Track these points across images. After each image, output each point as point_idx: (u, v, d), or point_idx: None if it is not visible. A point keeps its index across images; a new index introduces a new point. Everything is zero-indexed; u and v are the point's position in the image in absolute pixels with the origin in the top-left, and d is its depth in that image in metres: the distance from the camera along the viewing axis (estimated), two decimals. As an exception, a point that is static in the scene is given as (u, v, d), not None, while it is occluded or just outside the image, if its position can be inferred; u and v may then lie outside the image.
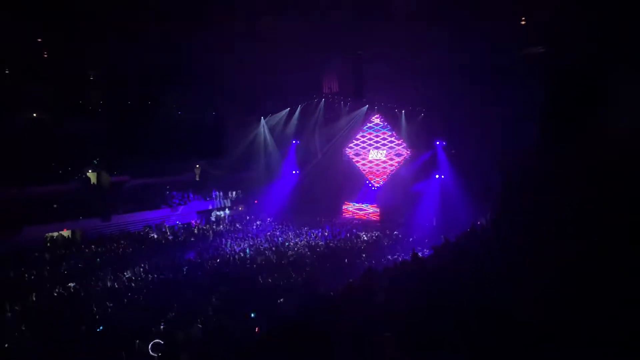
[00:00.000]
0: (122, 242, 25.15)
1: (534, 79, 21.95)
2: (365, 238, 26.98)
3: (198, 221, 31.19)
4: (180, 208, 31.04)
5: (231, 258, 22.22)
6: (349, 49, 25.75)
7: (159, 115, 32.38)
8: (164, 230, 28.18)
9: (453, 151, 30.24)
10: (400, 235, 27.43)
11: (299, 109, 35.43)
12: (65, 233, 26.28)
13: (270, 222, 31.07)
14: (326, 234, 27.93)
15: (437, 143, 30.81)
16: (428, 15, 19.99)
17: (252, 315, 13.96)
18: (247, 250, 23.85)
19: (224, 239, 26.20)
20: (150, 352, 11.13)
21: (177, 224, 29.92)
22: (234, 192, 34.60)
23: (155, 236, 26.97)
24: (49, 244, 24.82)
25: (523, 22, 20.20)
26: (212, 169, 34.66)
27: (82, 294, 17.02)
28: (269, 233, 27.98)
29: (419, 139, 31.63)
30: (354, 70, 28.15)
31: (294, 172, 36.15)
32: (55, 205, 26.54)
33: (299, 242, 25.66)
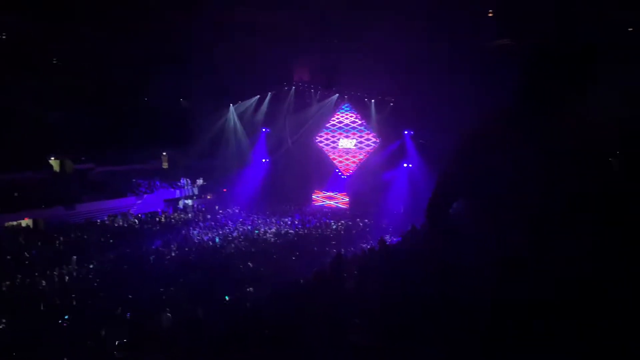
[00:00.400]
0: (87, 231, 24.55)
1: (507, 68, 22.43)
2: (335, 226, 27.20)
3: (165, 209, 30.72)
4: (147, 196, 30.48)
5: (200, 247, 22.05)
6: (321, 37, 25.67)
7: (125, 102, 31.57)
8: (130, 219, 27.64)
9: (421, 140, 30.68)
10: (369, 223, 27.76)
11: (269, 96, 35.13)
12: (27, 222, 25.46)
13: (239, 210, 30.90)
14: (296, 222, 28.00)
15: (406, 132, 31.17)
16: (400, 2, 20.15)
17: (226, 298, 13.97)
18: (217, 239, 23.69)
19: (192, 228, 25.94)
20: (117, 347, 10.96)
21: (144, 212, 29.40)
22: (202, 180, 34.18)
23: (121, 225, 26.43)
24: (9, 233, 23.99)
25: (490, 15, 20.59)
26: (180, 156, 34.13)
27: (45, 284, 16.58)
28: (238, 222, 27.85)
29: (388, 128, 31.94)
30: (326, 59, 28.11)
31: (263, 160, 35.96)
32: (15, 194, 25.63)
33: (269, 231, 25.66)
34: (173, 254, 20.70)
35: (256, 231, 25.50)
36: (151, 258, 20.04)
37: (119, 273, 18.01)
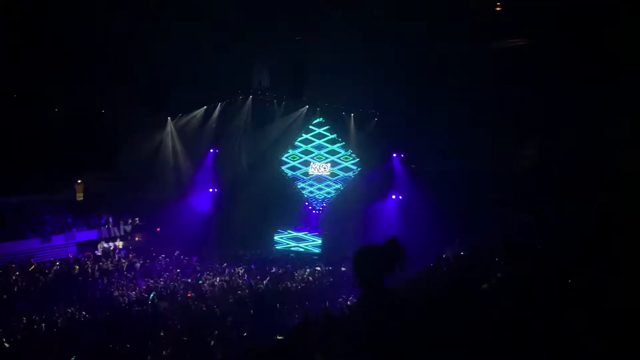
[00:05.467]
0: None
1: (509, 80, 23.44)
2: (302, 276, 27.05)
3: (79, 256, 29.96)
4: (55, 238, 29.79)
5: (124, 305, 21.72)
6: (286, 34, 25.93)
7: (29, 113, 30.98)
8: (30, 269, 26.81)
9: (413, 165, 31.01)
10: (346, 272, 27.64)
11: (218, 107, 35.06)
12: None
13: (178, 256, 30.43)
14: (253, 271, 27.76)
15: (394, 155, 31.47)
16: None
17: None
18: (152, 295, 23.36)
19: (115, 280, 25.58)
20: None
21: (50, 259, 28.59)
22: (130, 217, 33.64)
23: (19, 277, 25.57)
24: None
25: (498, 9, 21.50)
26: (100, 184, 33.52)
27: None
28: (176, 271, 27.45)
29: (372, 150, 32.20)
30: (292, 61, 28.33)
31: (210, 190, 35.67)
32: None
33: (216, 283, 25.41)
34: (87, 316, 20.27)
35: (200, 282, 25.31)
36: (59, 322, 19.57)
37: (13, 343, 17.42)
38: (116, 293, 23.94)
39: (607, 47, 19.85)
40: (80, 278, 26.10)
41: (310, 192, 34.73)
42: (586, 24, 19.93)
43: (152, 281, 25.80)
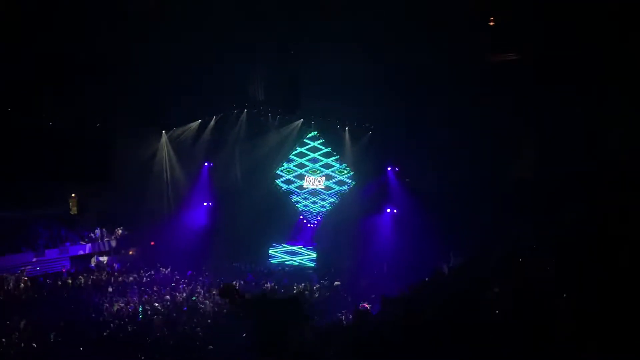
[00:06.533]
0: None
1: (506, 94, 23.63)
2: (297, 290, 26.92)
3: (72, 270, 29.78)
4: (49, 252, 29.62)
5: (116, 321, 21.52)
6: (280, 46, 26.00)
7: (20, 126, 30.85)
8: (21, 285, 26.58)
9: (408, 179, 31.05)
10: (341, 286, 27.59)
11: (213, 121, 35.07)
12: None
13: (172, 270, 30.29)
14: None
15: (389, 169, 31.50)
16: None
17: None
18: (141, 309, 23.19)
19: (108, 294, 25.46)
20: None
21: (43, 273, 28.46)
22: (124, 231, 33.48)
23: (11, 289, 25.54)
24: None
25: (492, 23, 21.67)
26: (94, 199, 33.40)
27: None
28: (170, 285, 27.33)
29: (366, 163, 32.24)
30: (286, 74, 28.37)
31: (205, 203, 35.58)
32: None
33: (207, 300, 25.16)
34: (81, 331, 20.12)
35: (194, 297, 25.10)
36: (51, 336, 19.38)
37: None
38: (108, 307, 23.68)
39: (596, 60, 20.13)
40: (66, 294, 25.93)
41: (305, 205, 34.72)
42: (576, 38, 20.17)
43: (145, 296, 25.53)
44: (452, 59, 23.44)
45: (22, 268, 28.07)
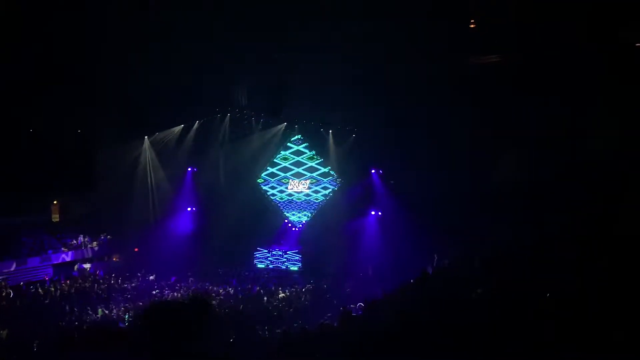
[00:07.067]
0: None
1: (485, 95, 23.84)
2: (282, 295, 26.89)
3: (55, 278, 29.53)
4: (31, 260, 29.35)
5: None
6: (263, 52, 26.01)
7: (1, 135, 30.58)
8: (3, 293, 26.31)
9: (392, 181, 31.14)
10: (327, 289, 27.60)
11: (196, 125, 34.91)
12: None
13: (156, 277, 30.13)
14: (231, 291, 27.63)
15: (373, 171, 31.58)
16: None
17: None
18: (127, 317, 23.05)
19: (91, 303, 25.27)
20: None
21: (25, 281, 28.14)
22: (107, 237, 33.24)
23: None
24: None
25: (472, 26, 21.86)
26: (76, 205, 33.14)
27: None
28: (154, 292, 27.28)
29: (350, 166, 32.31)
30: (269, 78, 28.42)
31: (189, 209, 35.44)
32: None
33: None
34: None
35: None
36: (34, 344, 19.03)
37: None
38: (91, 314, 23.65)
39: (577, 63, 20.41)
40: (47, 302, 25.77)
41: (289, 209, 34.71)
42: (560, 41, 20.41)
43: (129, 303, 25.43)
44: (433, 62, 23.62)
45: (4, 277, 27.84)
